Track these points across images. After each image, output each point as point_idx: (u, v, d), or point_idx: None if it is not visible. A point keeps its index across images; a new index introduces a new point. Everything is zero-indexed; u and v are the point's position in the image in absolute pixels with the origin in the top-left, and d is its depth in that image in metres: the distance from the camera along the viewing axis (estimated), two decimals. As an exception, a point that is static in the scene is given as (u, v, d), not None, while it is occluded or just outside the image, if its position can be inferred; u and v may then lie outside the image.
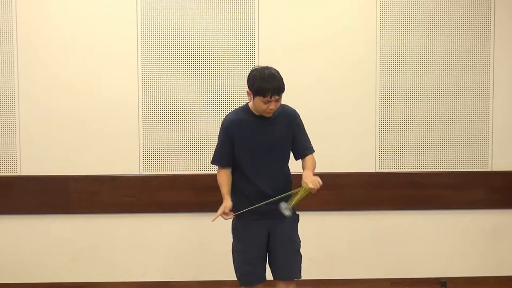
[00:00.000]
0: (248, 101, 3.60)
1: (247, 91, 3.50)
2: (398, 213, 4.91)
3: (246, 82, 3.52)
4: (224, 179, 3.60)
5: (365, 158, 4.88)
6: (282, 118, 3.57)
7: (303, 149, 3.63)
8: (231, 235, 3.67)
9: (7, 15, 4.71)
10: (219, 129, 3.62)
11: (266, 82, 3.38)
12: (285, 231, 3.57)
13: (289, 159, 3.64)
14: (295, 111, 3.64)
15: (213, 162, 3.65)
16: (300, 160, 3.65)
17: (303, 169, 3.59)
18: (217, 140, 3.63)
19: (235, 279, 3.66)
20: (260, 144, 3.51)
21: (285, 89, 3.49)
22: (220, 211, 3.54)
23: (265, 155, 3.51)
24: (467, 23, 4.86)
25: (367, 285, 4.91)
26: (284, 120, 3.57)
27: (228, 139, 3.54)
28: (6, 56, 4.72)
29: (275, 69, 3.47)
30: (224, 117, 3.63)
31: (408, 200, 4.88)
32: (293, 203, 3.43)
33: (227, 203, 3.55)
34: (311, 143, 3.68)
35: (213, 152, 3.66)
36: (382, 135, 4.88)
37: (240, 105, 3.68)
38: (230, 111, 3.68)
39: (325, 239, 4.87)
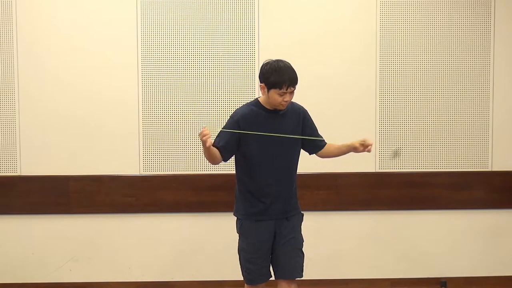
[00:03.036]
0: (258, 97, 3.60)
1: (260, 85, 3.50)
2: (398, 213, 4.91)
3: (257, 76, 3.52)
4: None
5: (365, 158, 4.84)
6: (292, 113, 3.59)
7: (319, 141, 3.67)
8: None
9: (7, 15, 4.71)
10: (216, 124, 3.60)
11: (282, 73, 3.41)
12: (290, 231, 3.58)
13: (298, 158, 3.64)
14: (303, 107, 3.67)
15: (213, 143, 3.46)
16: (321, 153, 3.71)
17: (334, 148, 3.68)
18: (220, 129, 3.52)
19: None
20: (272, 138, 3.50)
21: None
22: (203, 136, 3.28)
23: (275, 149, 3.49)
24: (467, 23, 4.86)
25: (367, 285, 4.91)
26: (294, 116, 3.59)
27: (237, 129, 3.47)
28: (6, 56, 4.72)
29: (287, 61, 3.50)
30: (234, 111, 3.58)
31: (408, 200, 4.88)
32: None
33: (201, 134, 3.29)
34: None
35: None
36: (382, 135, 4.88)
37: (243, 103, 3.67)
38: (239, 106, 3.63)
39: (325, 239, 4.87)
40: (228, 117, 3.56)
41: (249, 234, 3.57)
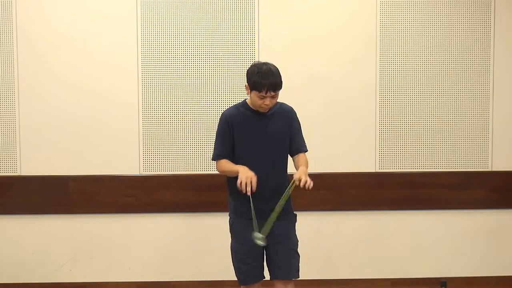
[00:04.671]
0: (246, 97, 3.61)
1: (245, 85, 3.52)
2: (398, 213, 4.91)
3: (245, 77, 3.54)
4: (227, 162, 3.53)
5: (365, 158, 4.88)
6: (280, 114, 3.58)
7: (298, 146, 3.63)
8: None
9: (7, 15, 4.71)
10: (217, 125, 3.61)
11: (263, 77, 3.40)
12: (283, 231, 3.57)
13: (287, 158, 3.63)
14: (292, 109, 3.66)
15: (214, 157, 3.59)
16: (292, 159, 3.66)
17: (297, 167, 3.58)
18: (215, 137, 3.60)
19: (235, 279, 3.66)
20: (259, 139, 3.51)
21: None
22: (246, 180, 3.34)
23: (263, 150, 3.50)
24: (467, 23, 4.86)
25: (367, 285, 4.91)
26: (282, 117, 3.59)
27: (228, 132, 3.53)
28: (6, 56, 4.72)
29: (274, 65, 3.48)
30: (221, 113, 3.62)
31: (408, 200, 4.88)
32: (267, 231, 3.38)
33: (246, 170, 3.39)
34: (305, 142, 3.69)
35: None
36: (382, 135, 4.88)
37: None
38: (228, 108, 3.66)
39: (324, 239, 4.87)
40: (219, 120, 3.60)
41: (240, 233, 3.57)
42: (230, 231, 3.63)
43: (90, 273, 4.83)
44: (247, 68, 3.55)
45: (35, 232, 4.79)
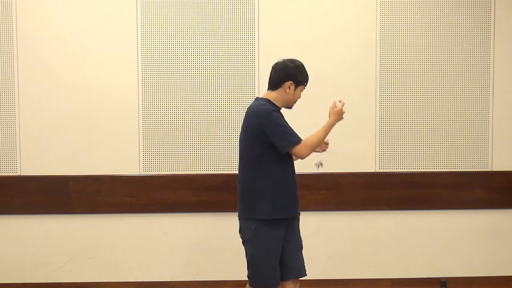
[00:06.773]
0: (258, 97, 3.65)
1: (287, 83, 3.54)
2: (398, 213, 4.91)
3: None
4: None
5: (365, 158, 4.88)
6: None
7: None
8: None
9: (7, 15, 4.71)
10: (268, 119, 3.45)
11: (306, 71, 3.60)
12: (295, 230, 3.62)
13: None
14: None
15: (297, 140, 3.47)
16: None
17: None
18: (280, 126, 3.46)
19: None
20: None
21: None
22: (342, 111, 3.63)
23: None
24: (467, 23, 4.87)
25: (367, 285, 4.91)
26: None
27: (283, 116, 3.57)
28: (6, 56, 4.72)
29: None
30: (263, 109, 3.50)
31: (408, 200, 4.88)
32: None
33: (334, 111, 3.66)
34: None
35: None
36: (382, 135, 4.88)
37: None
38: (265, 105, 3.55)
39: (325, 239, 4.88)
40: (268, 115, 3.47)
41: (267, 238, 3.49)
42: (253, 237, 3.51)
43: (90, 273, 4.83)
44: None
45: (35, 232, 4.79)
